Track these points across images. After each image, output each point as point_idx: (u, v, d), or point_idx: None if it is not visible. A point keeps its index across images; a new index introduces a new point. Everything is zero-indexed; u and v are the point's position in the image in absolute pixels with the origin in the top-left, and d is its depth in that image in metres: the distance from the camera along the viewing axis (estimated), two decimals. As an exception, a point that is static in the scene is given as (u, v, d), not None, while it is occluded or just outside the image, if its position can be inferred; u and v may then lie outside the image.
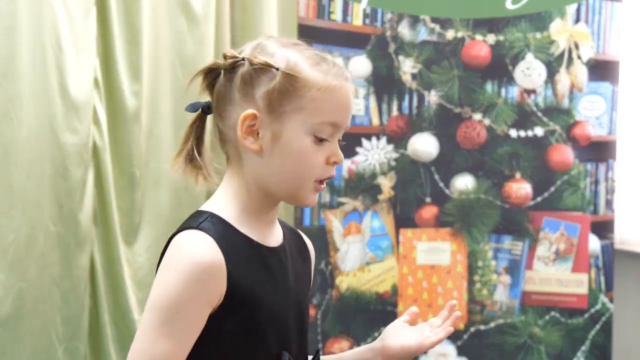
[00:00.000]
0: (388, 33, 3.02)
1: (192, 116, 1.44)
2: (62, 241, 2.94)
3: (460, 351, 3.03)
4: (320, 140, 1.37)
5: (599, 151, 3.04)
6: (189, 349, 1.31)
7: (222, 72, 1.39)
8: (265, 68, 1.36)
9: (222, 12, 3.27)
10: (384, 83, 3.02)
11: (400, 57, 3.02)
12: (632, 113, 3.34)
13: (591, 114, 3.03)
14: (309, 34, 2.99)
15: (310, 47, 1.42)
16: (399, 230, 3.04)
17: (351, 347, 3.02)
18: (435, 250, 3.04)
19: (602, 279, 3.03)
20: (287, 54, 1.38)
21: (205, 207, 1.40)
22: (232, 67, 1.38)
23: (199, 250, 1.31)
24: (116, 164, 3.08)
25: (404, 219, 3.04)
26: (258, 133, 1.36)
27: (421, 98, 3.03)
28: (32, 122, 2.83)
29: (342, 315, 3.02)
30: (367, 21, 3.02)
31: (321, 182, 1.40)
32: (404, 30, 3.02)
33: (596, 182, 3.04)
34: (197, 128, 1.43)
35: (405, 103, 3.03)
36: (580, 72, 3.01)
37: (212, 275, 1.30)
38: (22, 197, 2.82)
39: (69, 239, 2.95)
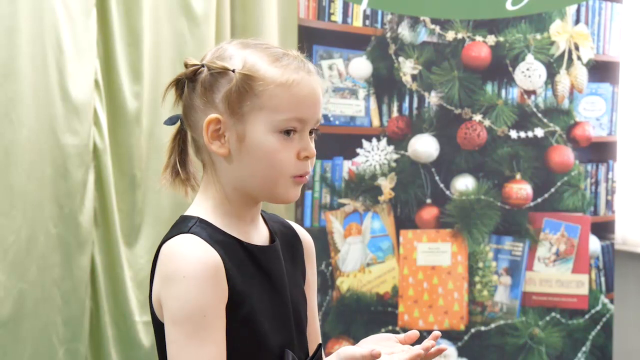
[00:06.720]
0: (388, 34, 3.02)
1: (173, 129, 1.44)
2: (63, 242, 2.94)
3: (461, 352, 3.02)
4: (287, 135, 1.36)
5: (599, 152, 3.04)
6: (225, 345, 1.31)
7: (186, 81, 1.39)
8: (223, 72, 1.36)
9: (222, 13, 3.27)
10: (384, 84, 3.02)
11: (401, 58, 3.02)
12: (633, 114, 3.34)
13: (591, 114, 3.03)
14: (309, 35, 2.99)
15: (275, 46, 1.41)
16: (400, 232, 3.03)
17: (352, 348, 3.02)
18: (436, 251, 3.04)
19: (603, 279, 3.03)
20: (245, 55, 1.38)
21: (190, 212, 1.41)
22: (194, 75, 1.39)
23: (201, 252, 1.32)
24: (117, 166, 3.08)
25: (405, 220, 3.04)
26: (224, 136, 1.37)
27: (421, 99, 3.03)
28: (32, 123, 2.84)
29: (342, 316, 3.01)
30: (368, 22, 3.02)
31: (299, 176, 1.38)
32: (404, 31, 3.02)
33: (596, 183, 3.04)
34: (179, 141, 1.43)
35: (406, 104, 3.03)
36: (581, 73, 3.02)
37: (218, 273, 1.31)
38: (22, 198, 2.83)
39: (70, 240, 2.95)
